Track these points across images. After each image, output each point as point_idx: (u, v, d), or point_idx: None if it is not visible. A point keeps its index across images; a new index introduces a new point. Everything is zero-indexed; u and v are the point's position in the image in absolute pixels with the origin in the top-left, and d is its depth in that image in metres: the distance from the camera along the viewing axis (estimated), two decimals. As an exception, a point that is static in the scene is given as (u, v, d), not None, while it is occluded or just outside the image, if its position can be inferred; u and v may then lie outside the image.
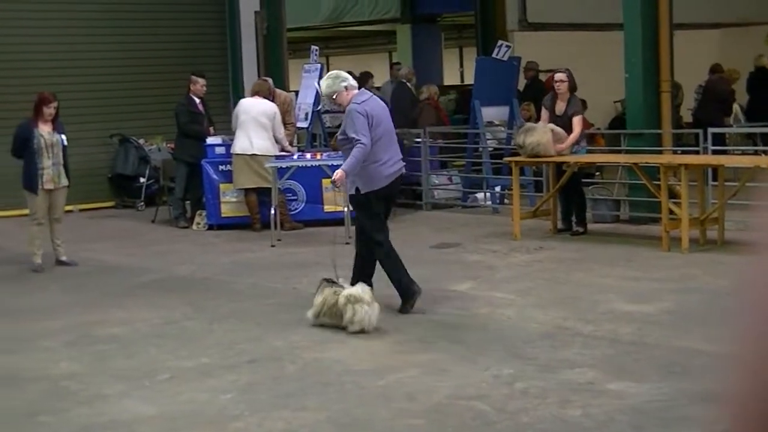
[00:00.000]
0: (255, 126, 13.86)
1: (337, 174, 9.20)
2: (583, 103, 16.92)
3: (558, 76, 13.17)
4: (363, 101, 9.26)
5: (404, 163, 9.67)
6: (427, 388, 6.85)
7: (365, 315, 8.36)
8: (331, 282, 8.77)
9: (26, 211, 15.97)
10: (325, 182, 14.23)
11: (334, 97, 9.39)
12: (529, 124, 13.31)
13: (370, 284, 8.90)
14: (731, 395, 1.30)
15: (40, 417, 6.59)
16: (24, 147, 11.68)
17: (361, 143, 8.98)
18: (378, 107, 9.40)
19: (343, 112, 9.43)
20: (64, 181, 11.86)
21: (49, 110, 11.62)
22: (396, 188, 9.63)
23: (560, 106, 13.02)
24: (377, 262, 9.34)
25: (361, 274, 9.19)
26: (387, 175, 9.24)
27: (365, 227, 9.36)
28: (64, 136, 11.86)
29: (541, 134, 12.52)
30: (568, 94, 13.00)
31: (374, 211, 9.26)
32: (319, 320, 8.65)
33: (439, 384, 6.92)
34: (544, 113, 13.13)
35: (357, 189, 9.23)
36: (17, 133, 11.83)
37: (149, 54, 17.80)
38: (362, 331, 8.34)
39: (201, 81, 14.94)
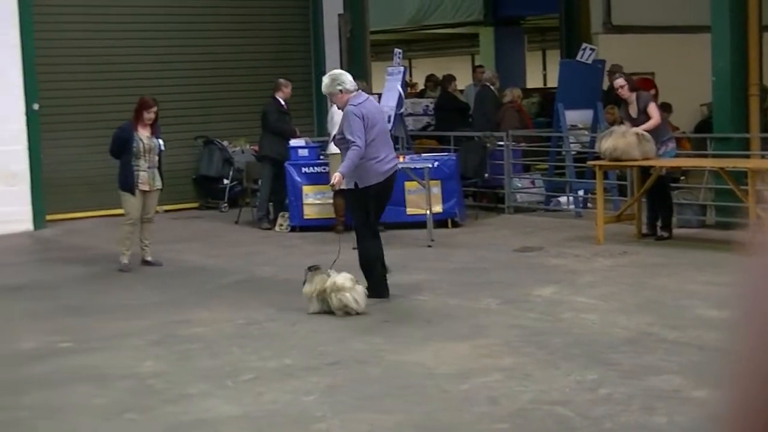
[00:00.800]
0: None
1: (336, 177, 9.74)
2: (669, 106, 16.79)
3: (616, 83, 13.12)
4: (359, 103, 9.81)
5: (398, 161, 10.41)
6: (510, 392, 6.81)
7: (348, 300, 9.15)
8: (315, 269, 9.44)
9: (112, 212, 16.33)
10: (408, 185, 14.25)
11: (331, 98, 10.13)
12: (610, 129, 13.18)
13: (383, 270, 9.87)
14: (733, 395, 1.29)
15: (127, 414, 6.68)
16: (122, 149, 11.85)
17: (356, 145, 9.57)
18: (373, 109, 10.01)
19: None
20: (159, 184, 12.04)
21: (149, 115, 11.80)
22: (390, 184, 10.14)
23: (632, 109, 12.95)
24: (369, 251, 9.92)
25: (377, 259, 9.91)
26: (383, 172, 9.84)
27: (356, 220, 10.12)
28: (161, 141, 12.04)
29: (617, 138, 12.38)
30: (633, 95, 12.93)
31: (366, 205, 9.86)
32: (311, 306, 9.29)
33: (522, 388, 6.88)
34: (627, 124, 12.99)
35: (355, 184, 9.78)
36: (117, 135, 11.99)
37: (234, 57, 17.96)
38: (348, 314, 9.10)
39: (289, 85, 15.13)
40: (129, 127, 11.89)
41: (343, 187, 9.83)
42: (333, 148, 13.92)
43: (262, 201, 14.94)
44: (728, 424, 1.28)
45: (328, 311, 9.20)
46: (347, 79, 10.01)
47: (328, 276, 9.27)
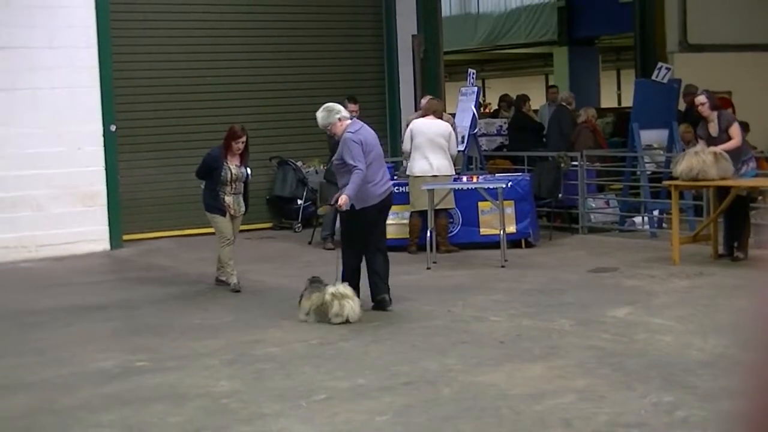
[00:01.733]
0: (433, 147, 13.86)
1: (342, 199, 10.22)
2: (746, 125, 16.57)
3: (698, 100, 12.96)
4: (356, 130, 10.45)
5: (391, 184, 11.07)
6: (584, 414, 6.75)
7: (349, 309, 9.75)
8: (316, 281, 10.12)
9: (188, 232, 16.53)
10: (482, 205, 14.22)
11: (329, 128, 10.62)
12: (685, 151, 12.99)
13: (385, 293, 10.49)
14: (751, 406, 1.29)
15: (201, 434, 6.73)
16: (209, 174, 11.95)
17: (358, 169, 10.21)
18: (369, 135, 10.59)
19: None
20: (242, 209, 12.15)
21: (237, 145, 11.82)
22: (387, 205, 10.78)
23: (713, 128, 12.78)
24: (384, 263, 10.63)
25: (383, 274, 10.58)
26: (378, 194, 10.46)
27: (345, 236, 10.76)
28: (249, 170, 12.12)
29: (690, 158, 12.24)
30: (714, 113, 12.76)
31: (360, 227, 10.43)
32: (308, 318, 9.93)
33: (596, 410, 6.81)
34: (701, 143, 12.83)
35: (352, 206, 10.31)
36: (207, 161, 12.01)
37: (308, 78, 18.08)
38: (346, 322, 9.67)
39: (352, 106, 15.09)
40: (219, 154, 11.90)
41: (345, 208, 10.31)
42: (415, 170, 13.94)
43: (328, 221, 14.90)
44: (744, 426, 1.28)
45: (322, 321, 9.80)
46: (341, 108, 10.78)
47: (324, 291, 9.90)
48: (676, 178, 12.60)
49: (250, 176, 12.21)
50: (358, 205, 10.32)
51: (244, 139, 11.87)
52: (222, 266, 12.03)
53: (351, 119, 10.73)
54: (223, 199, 11.84)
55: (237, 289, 11.76)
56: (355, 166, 10.20)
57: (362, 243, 10.53)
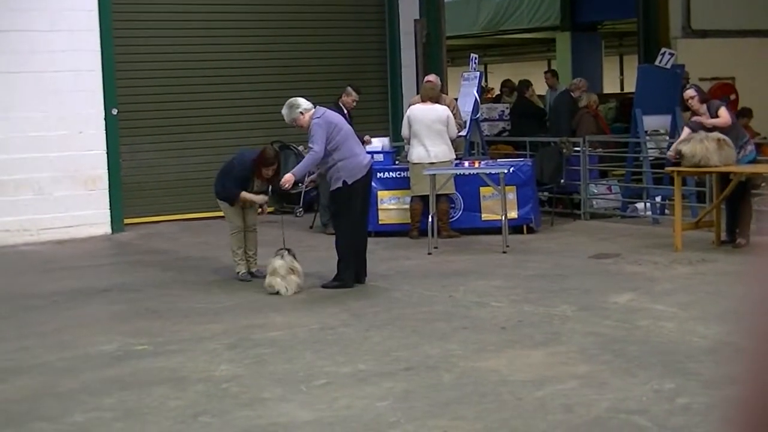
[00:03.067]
0: (430, 133, 13.82)
1: (286, 177, 10.77)
2: (749, 111, 16.55)
3: (687, 94, 12.96)
4: (320, 115, 10.82)
5: (371, 157, 11.52)
6: (586, 400, 6.75)
7: (277, 284, 10.54)
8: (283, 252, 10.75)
9: (189, 216, 16.52)
10: (483, 191, 14.21)
11: (294, 123, 10.96)
12: (691, 135, 12.96)
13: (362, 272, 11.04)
14: (739, 384, 1.29)
15: (202, 418, 6.73)
16: (235, 181, 11.48)
17: (313, 150, 10.64)
18: (335, 116, 11.06)
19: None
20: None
21: (267, 172, 11.33)
22: (370, 179, 11.20)
23: (705, 119, 12.74)
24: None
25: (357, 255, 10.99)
26: (363, 165, 10.87)
27: (340, 218, 11.10)
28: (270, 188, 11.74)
29: (695, 144, 12.21)
30: (703, 106, 12.74)
31: (353, 203, 10.81)
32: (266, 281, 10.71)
33: (598, 397, 6.81)
34: (686, 132, 12.80)
35: (344, 182, 10.72)
36: (239, 177, 11.44)
37: (310, 62, 18.04)
38: (278, 294, 10.49)
39: (353, 95, 15.07)
40: (249, 176, 11.39)
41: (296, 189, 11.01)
42: (413, 157, 13.93)
43: (323, 206, 14.83)
44: (740, 424, 1.28)
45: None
46: (302, 101, 10.98)
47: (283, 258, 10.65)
48: (678, 155, 12.49)
49: (270, 192, 11.87)
50: (349, 180, 10.71)
51: (275, 167, 11.37)
52: (235, 252, 11.68)
53: (315, 107, 10.96)
54: (231, 190, 11.46)
55: (243, 279, 11.56)
56: (311, 148, 10.65)
57: (355, 218, 10.91)
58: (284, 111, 11.03)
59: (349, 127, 11.19)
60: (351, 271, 10.92)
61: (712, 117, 12.71)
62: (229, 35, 17.43)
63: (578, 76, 18.93)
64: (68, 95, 15.34)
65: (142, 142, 16.62)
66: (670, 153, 12.78)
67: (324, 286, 10.90)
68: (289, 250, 10.84)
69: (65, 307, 10.44)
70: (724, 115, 12.66)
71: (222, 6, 17.39)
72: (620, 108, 21.51)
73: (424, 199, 13.67)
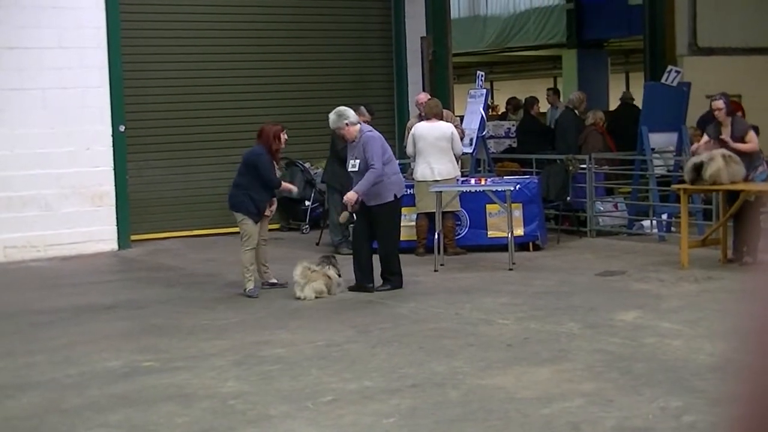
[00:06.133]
0: (434, 151, 13.84)
1: (349, 196, 11.42)
2: (757, 129, 16.53)
3: (715, 104, 12.93)
4: (371, 130, 11.54)
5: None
6: (592, 418, 6.74)
7: (297, 291, 11.14)
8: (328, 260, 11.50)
9: (196, 232, 16.55)
10: (489, 208, 14.21)
11: (338, 131, 11.61)
12: (709, 154, 12.86)
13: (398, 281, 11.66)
14: (737, 401, 1.30)
15: (208, 435, 6.73)
16: (260, 175, 11.65)
17: (375, 167, 11.22)
18: (378, 134, 11.68)
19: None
20: (274, 206, 12.12)
21: (285, 135, 11.87)
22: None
23: (726, 132, 12.76)
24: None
25: (391, 271, 11.67)
26: (403, 180, 11.95)
27: (393, 229, 11.75)
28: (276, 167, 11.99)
29: (719, 162, 12.19)
30: (729, 118, 12.75)
31: (399, 213, 11.84)
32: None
33: (604, 414, 6.80)
34: (705, 139, 12.84)
35: (395, 195, 11.48)
36: (265, 164, 11.65)
37: (317, 79, 18.08)
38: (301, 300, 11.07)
39: (367, 116, 15.02)
40: (270, 161, 11.69)
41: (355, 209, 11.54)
42: (418, 175, 13.94)
43: (334, 225, 14.77)
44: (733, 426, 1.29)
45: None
46: (351, 113, 11.58)
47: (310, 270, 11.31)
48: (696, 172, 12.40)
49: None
50: (399, 192, 11.57)
51: (284, 131, 11.87)
52: (248, 269, 11.65)
53: (359, 123, 11.50)
54: (261, 202, 11.61)
55: (251, 295, 11.53)
56: (372, 164, 11.18)
57: (399, 229, 11.95)
58: (332, 117, 11.60)
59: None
60: (401, 275, 11.78)
61: (734, 132, 12.70)
62: (236, 52, 17.47)
63: (585, 94, 18.91)
64: (76, 112, 15.38)
65: (149, 158, 16.66)
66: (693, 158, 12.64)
67: (377, 289, 11.59)
68: (330, 258, 11.62)
69: (72, 324, 10.45)
70: (754, 141, 12.66)
71: (229, 23, 17.44)
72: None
73: (430, 216, 13.70)
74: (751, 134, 12.75)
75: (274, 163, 11.82)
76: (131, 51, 16.17)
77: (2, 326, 10.44)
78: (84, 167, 15.44)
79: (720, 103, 12.87)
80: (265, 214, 11.86)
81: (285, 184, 12.12)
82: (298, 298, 11.10)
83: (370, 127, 11.64)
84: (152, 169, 16.73)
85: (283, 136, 11.76)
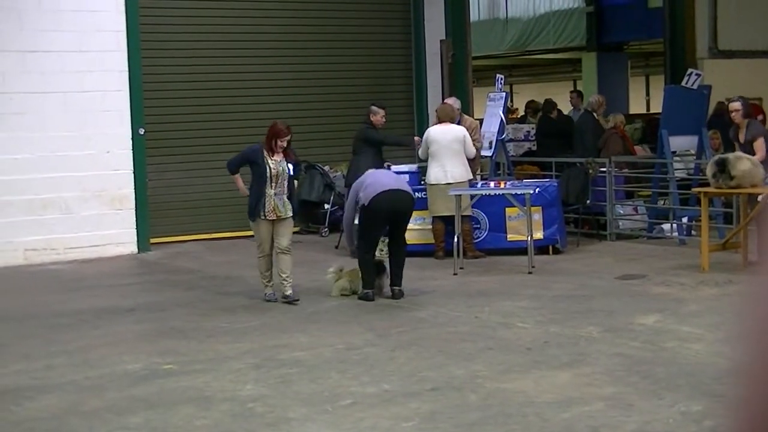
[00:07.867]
0: (448, 154, 13.85)
1: None
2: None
3: (732, 105, 12.93)
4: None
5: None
6: (612, 422, 6.71)
7: (333, 287, 11.69)
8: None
9: (215, 235, 16.58)
10: (509, 211, 14.18)
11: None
12: (732, 154, 12.78)
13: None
14: (739, 405, 1.31)
15: (227, 437, 6.73)
16: (240, 166, 11.58)
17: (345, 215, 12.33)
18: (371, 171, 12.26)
19: None
20: (289, 212, 11.42)
21: (281, 143, 11.31)
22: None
23: (741, 135, 12.77)
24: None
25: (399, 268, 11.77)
26: (375, 190, 11.57)
27: (360, 238, 11.88)
28: (291, 166, 11.47)
29: (746, 163, 12.14)
30: (745, 121, 12.74)
31: (369, 219, 11.70)
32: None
33: (624, 419, 6.77)
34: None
35: (363, 204, 11.61)
36: (246, 153, 11.53)
37: (336, 82, 18.10)
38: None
39: (381, 112, 15.06)
40: (259, 149, 11.37)
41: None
42: (431, 178, 13.94)
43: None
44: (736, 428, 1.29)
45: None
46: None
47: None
48: (707, 184, 12.42)
49: (292, 174, 11.53)
50: (365, 202, 11.60)
51: (288, 138, 11.42)
52: (263, 274, 11.55)
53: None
54: (265, 202, 11.24)
55: (269, 299, 11.46)
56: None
57: (367, 236, 11.94)
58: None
59: None
60: (371, 285, 11.71)
61: (747, 137, 12.70)
62: (255, 55, 17.50)
63: (605, 97, 18.87)
64: (96, 115, 15.43)
65: (168, 161, 16.69)
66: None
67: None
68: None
69: (91, 326, 10.48)
70: (760, 150, 12.63)
71: (249, 27, 17.46)
72: (646, 128, 21.47)
73: (444, 218, 13.74)
74: (759, 141, 12.69)
75: (267, 157, 11.31)
76: (151, 54, 16.21)
77: (22, 328, 10.47)
78: (104, 170, 15.48)
79: (737, 105, 12.85)
80: (270, 218, 11.31)
81: (238, 181, 11.82)
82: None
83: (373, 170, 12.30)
84: (172, 172, 16.76)
85: (280, 143, 11.32)
